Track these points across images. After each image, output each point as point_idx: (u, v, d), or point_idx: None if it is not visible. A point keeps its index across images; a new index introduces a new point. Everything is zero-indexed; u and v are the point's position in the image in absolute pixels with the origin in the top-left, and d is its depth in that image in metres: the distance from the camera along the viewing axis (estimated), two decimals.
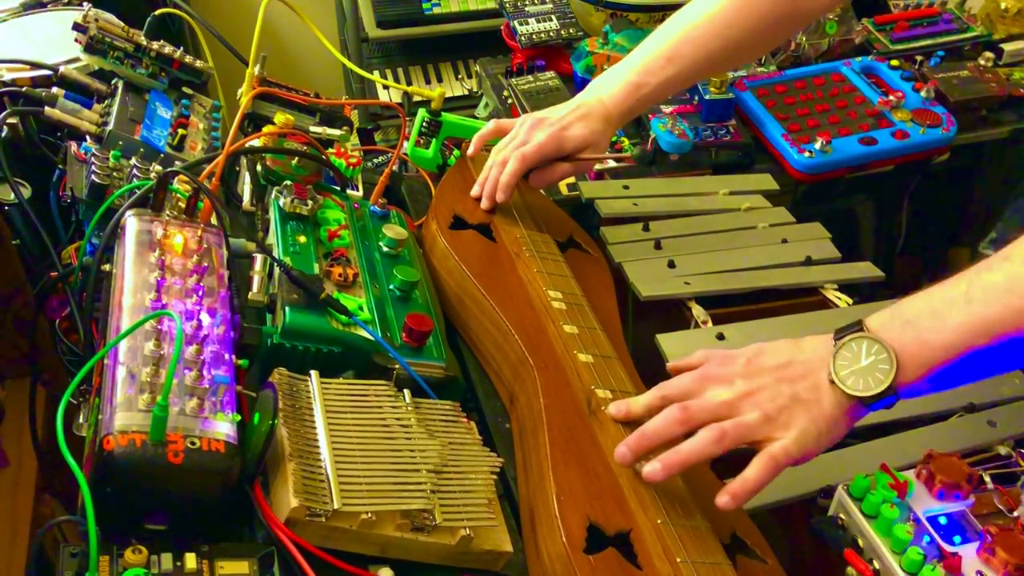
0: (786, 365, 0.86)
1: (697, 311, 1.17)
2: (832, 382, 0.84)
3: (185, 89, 1.36)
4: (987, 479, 0.91)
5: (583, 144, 1.22)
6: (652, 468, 0.85)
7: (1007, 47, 1.86)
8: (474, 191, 1.24)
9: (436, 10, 2.36)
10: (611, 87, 1.24)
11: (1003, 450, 0.99)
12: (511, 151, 1.22)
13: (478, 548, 0.84)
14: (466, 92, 2.31)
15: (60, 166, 1.17)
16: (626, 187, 1.42)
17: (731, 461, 0.97)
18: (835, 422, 0.84)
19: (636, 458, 0.87)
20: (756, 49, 1.29)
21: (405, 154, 1.37)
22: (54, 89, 1.26)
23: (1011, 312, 0.79)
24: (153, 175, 1.06)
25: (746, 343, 1.09)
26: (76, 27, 1.28)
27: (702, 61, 1.23)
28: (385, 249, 1.12)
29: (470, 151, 1.30)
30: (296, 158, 1.15)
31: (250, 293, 0.97)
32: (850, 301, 1.22)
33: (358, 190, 1.27)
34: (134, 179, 1.06)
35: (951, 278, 0.84)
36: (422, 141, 1.37)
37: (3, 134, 1.19)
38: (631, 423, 0.91)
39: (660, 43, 1.24)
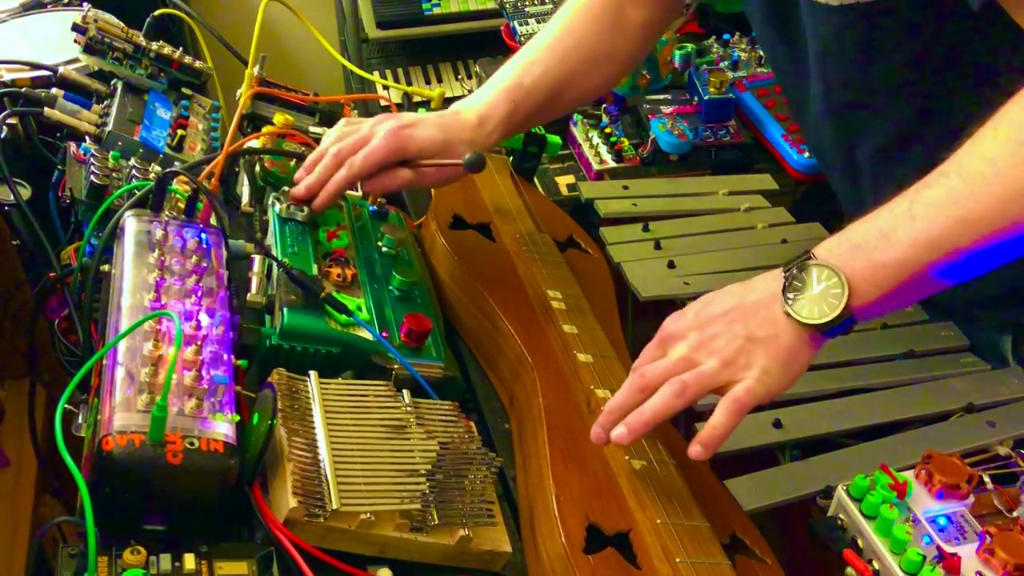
0: (736, 307, 0.86)
1: None
2: (787, 315, 0.83)
3: (184, 90, 1.36)
4: (987, 479, 0.91)
5: (429, 149, 1.10)
6: (619, 432, 0.85)
7: None
8: (297, 175, 1.11)
9: (436, 10, 2.36)
10: (484, 97, 1.18)
11: (1002, 450, 0.98)
12: (348, 147, 1.09)
13: (477, 548, 0.83)
14: (466, 92, 2.29)
15: (59, 167, 1.17)
16: (626, 187, 1.42)
17: (732, 460, 0.97)
18: (796, 354, 0.84)
19: (606, 435, 0.87)
20: (609, 56, 1.27)
21: None
22: (53, 90, 1.26)
23: (956, 224, 0.80)
24: (152, 176, 1.06)
25: None
26: (75, 28, 1.28)
27: (561, 62, 1.21)
28: (384, 249, 1.12)
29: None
30: (294, 160, 1.15)
31: (249, 294, 0.97)
32: None
33: (357, 190, 1.27)
34: (133, 180, 1.06)
35: (894, 199, 0.84)
36: None
37: (2, 134, 1.19)
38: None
39: (521, 54, 1.23)
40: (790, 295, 0.84)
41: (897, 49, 1.05)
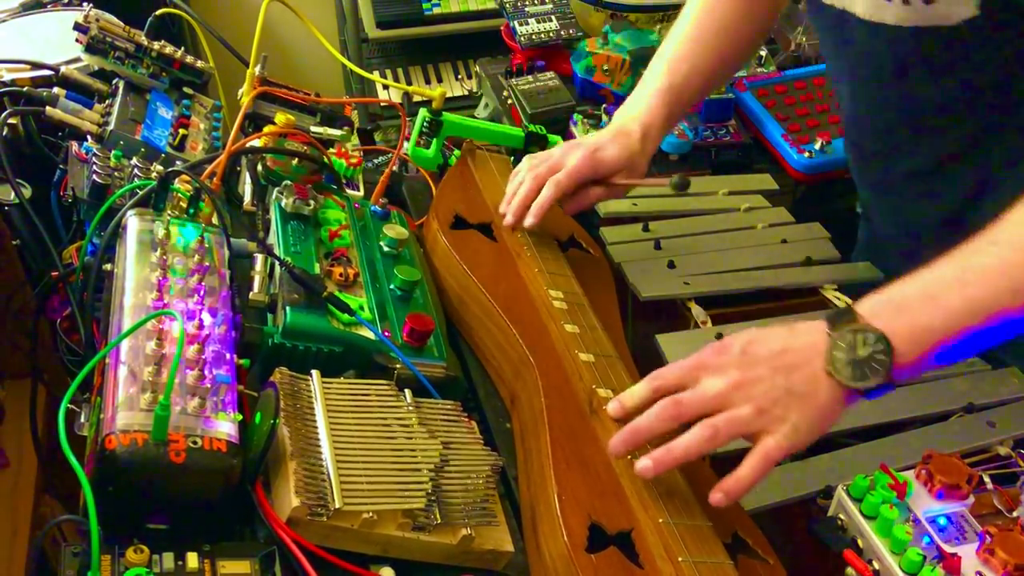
0: (781, 353, 0.85)
1: (697, 311, 1.17)
2: (829, 374, 0.83)
3: (186, 89, 1.36)
4: (986, 479, 0.91)
5: (618, 166, 1.19)
6: (644, 465, 0.85)
7: None
8: (501, 207, 1.21)
9: (436, 10, 2.36)
10: (640, 102, 1.23)
11: (1002, 450, 0.99)
12: (545, 171, 1.19)
13: (479, 548, 0.84)
14: (466, 92, 2.31)
15: (61, 166, 1.17)
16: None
17: (732, 460, 0.97)
18: (829, 412, 0.84)
19: (628, 452, 0.87)
20: (750, 33, 1.29)
21: (406, 154, 1.37)
22: (55, 89, 1.26)
23: (1005, 293, 0.81)
24: (154, 175, 1.06)
25: None
26: (77, 27, 1.28)
27: (707, 54, 1.24)
28: (386, 249, 1.12)
29: (529, 221, 1.19)
30: (296, 159, 1.15)
31: (251, 293, 0.97)
32: (850, 301, 1.21)
33: (359, 190, 1.27)
34: (135, 179, 1.06)
35: (938, 262, 0.85)
36: (423, 141, 1.37)
37: (4, 134, 1.19)
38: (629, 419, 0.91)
39: (664, 53, 1.26)
40: (834, 353, 0.83)
41: (955, 72, 1.06)
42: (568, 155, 1.19)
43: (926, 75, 1.09)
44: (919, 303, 0.83)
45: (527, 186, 1.19)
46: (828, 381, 0.83)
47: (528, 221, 1.18)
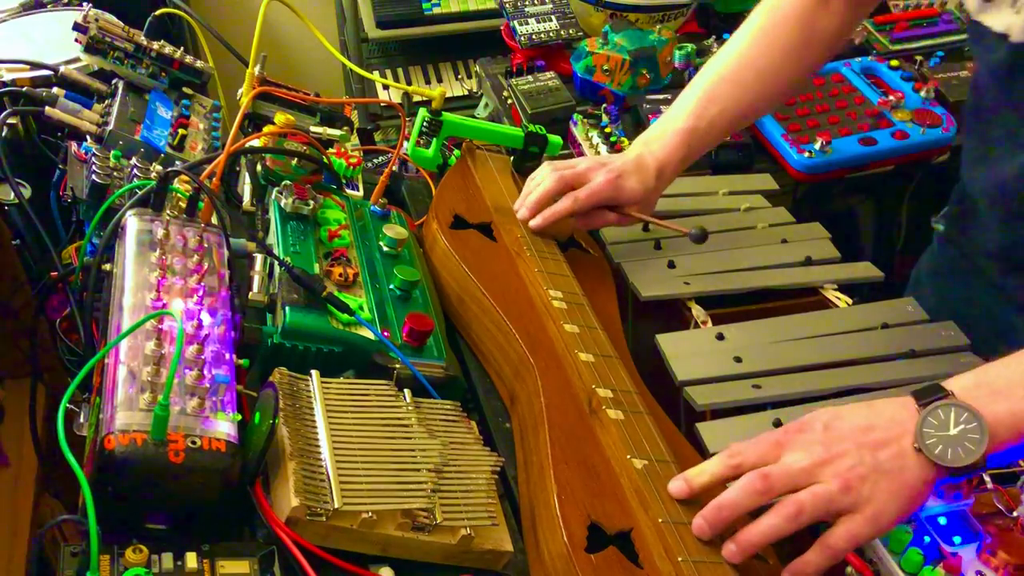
0: (867, 429, 0.82)
1: (697, 311, 1.17)
2: (918, 450, 0.80)
3: (185, 89, 1.36)
4: (987, 479, 0.91)
5: (635, 198, 1.20)
6: (729, 550, 0.82)
7: None
8: (517, 203, 1.22)
9: (436, 10, 2.36)
10: (662, 139, 1.22)
11: None
12: (570, 176, 1.19)
13: (479, 547, 0.84)
14: (466, 92, 2.31)
15: (60, 166, 1.17)
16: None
17: None
18: (916, 493, 0.81)
19: (715, 532, 0.83)
20: (788, 79, 1.26)
21: (405, 154, 1.37)
22: (54, 89, 1.26)
23: None
24: (153, 175, 1.06)
25: (746, 343, 1.10)
26: (76, 27, 1.28)
27: (742, 96, 1.22)
28: (385, 249, 1.12)
29: (536, 222, 1.21)
30: (296, 159, 1.15)
31: (250, 293, 0.97)
32: (850, 301, 1.22)
33: (358, 190, 1.27)
34: (134, 179, 1.06)
35: None
36: (423, 141, 1.37)
37: (3, 134, 1.19)
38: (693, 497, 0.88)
39: (697, 89, 1.23)
40: (925, 430, 0.80)
41: None
42: (593, 172, 1.20)
43: None
44: (1019, 389, 0.81)
45: (547, 185, 1.20)
46: (918, 459, 0.80)
47: (535, 222, 1.19)
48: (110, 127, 1.19)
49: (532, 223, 1.19)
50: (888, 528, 0.81)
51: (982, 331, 1.15)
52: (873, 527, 0.80)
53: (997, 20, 1.06)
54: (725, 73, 1.23)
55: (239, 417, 0.81)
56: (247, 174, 1.21)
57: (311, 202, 1.09)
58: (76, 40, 1.28)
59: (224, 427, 0.78)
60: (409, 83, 2.35)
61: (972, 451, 0.79)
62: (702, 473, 0.86)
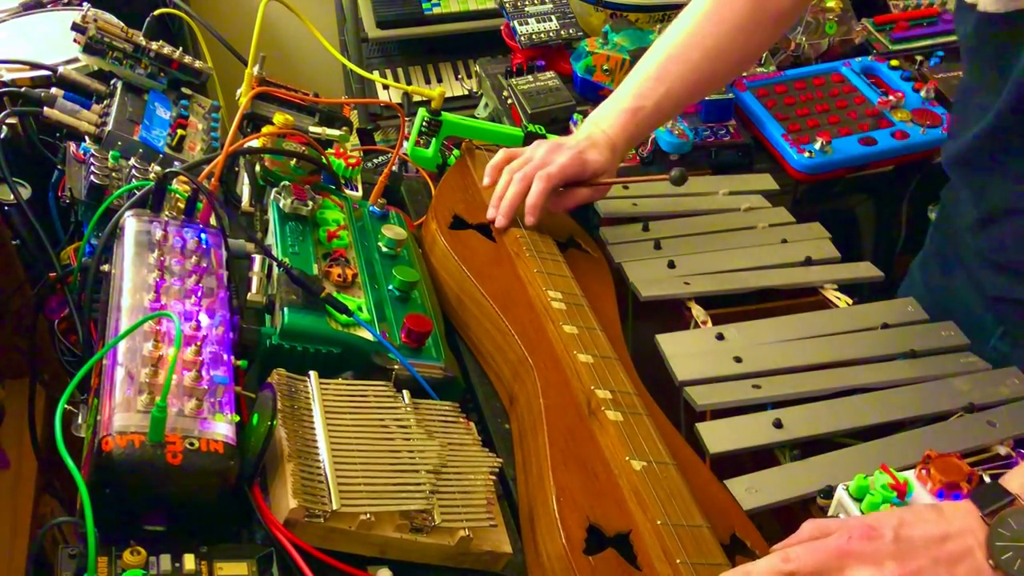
0: (941, 541, 0.75)
1: (697, 311, 1.17)
2: (994, 567, 0.74)
3: (184, 89, 1.36)
4: (986, 479, 0.91)
5: (602, 168, 1.22)
6: None
7: None
8: (489, 213, 1.21)
9: (436, 10, 2.36)
10: (609, 118, 1.25)
11: (1003, 450, 0.99)
12: (531, 170, 1.19)
13: (477, 549, 0.83)
14: (466, 92, 2.30)
15: (59, 167, 1.17)
16: (626, 187, 1.42)
17: (732, 460, 0.97)
18: None
19: None
20: (737, 58, 1.27)
21: (405, 154, 1.37)
22: (53, 89, 1.26)
23: None
24: (152, 175, 1.06)
25: (746, 343, 1.10)
26: (75, 27, 1.27)
27: (689, 76, 1.24)
28: (384, 249, 1.12)
29: (486, 181, 1.25)
30: (295, 159, 1.15)
31: (249, 294, 0.97)
32: (850, 301, 1.22)
33: (357, 190, 1.27)
34: (133, 179, 1.06)
35: None
36: (422, 141, 1.37)
37: (2, 134, 1.19)
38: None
39: (647, 67, 1.25)
40: (996, 544, 0.74)
41: None
42: (555, 154, 1.21)
43: None
44: None
45: (516, 187, 1.19)
46: (994, 575, 0.74)
47: (528, 220, 1.19)
48: (109, 127, 1.19)
49: (526, 221, 1.19)
50: None
51: (959, 326, 1.16)
52: None
53: None
54: (673, 52, 1.24)
55: (237, 418, 0.81)
56: (246, 175, 1.21)
57: (310, 203, 1.09)
58: (75, 40, 1.28)
59: (222, 428, 0.78)
60: (409, 83, 2.35)
61: None
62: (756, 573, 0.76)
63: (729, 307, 1.20)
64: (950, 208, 1.28)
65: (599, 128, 1.25)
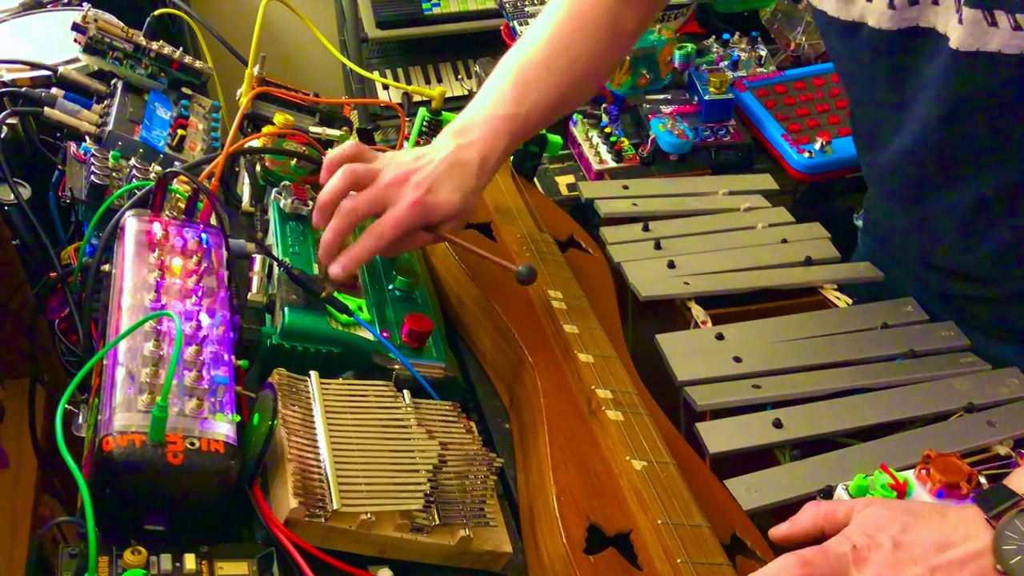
0: (942, 547, 0.73)
1: (697, 311, 1.17)
2: (1002, 573, 0.71)
3: (184, 89, 1.36)
4: (983, 480, 0.91)
5: (451, 212, 1.04)
6: None
7: None
8: (320, 252, 1.03)
9: (436, 10, 2.36)
10: (481, 127, 1.10)
11: (1002, 450, 0.98)
12: (364, 207, 1.03)
13: (478, 548, 0.83)
14: (466, 92, 2.30)
15: (59, 167, 1.17)
16: (626, 187, 1.42)
17: (732, 460, 0.97)
18: None
19: None
20: (598, 70, 1.23)
21: None
22: (53, 89, 1.26)
23: None
24: (152, 175, 1.06)
25: (746, 343, 1.10)
26: (75, 27, 1.27)
27: (557, 84, 1.15)
28: None
29: (322, 177, 1.06)
30: (295, 159, 1.15)
31: (249, 294, 0.97)
32: (850, 301, 1.22)
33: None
34: (133, 179, 1.06)
35: None
36: (422, 141, 1.37)
37: (2, 134, 1.19)
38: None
39: (507, 75, 1.15)
40: (1004, 548, 0.71)
41: None
42: (395, 193, 1.03)
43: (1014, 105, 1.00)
44: None
45: (340, 223, 1.02)
46: None
47: (334, 270, 1.01)
48: (109, 128, 1.19)
49: (331, 270, 1.01)
50: None
51: None
52: None
53: (853, 11, 1.05)
54: (537, 58, 1.15)
55: (238, 418, 0.81)
56: (246, 175, 1.21)
57: (310, 202, 1.09)
58: (75, 40, 1.28)
59: (223, 428, 0.78)
60: (409, 83, 2.35)
61: None
62: None
63: (729, 307, 1.20)
64: (879, 216, 1.30)
65: (468, 140, 1.08)
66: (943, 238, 1.17)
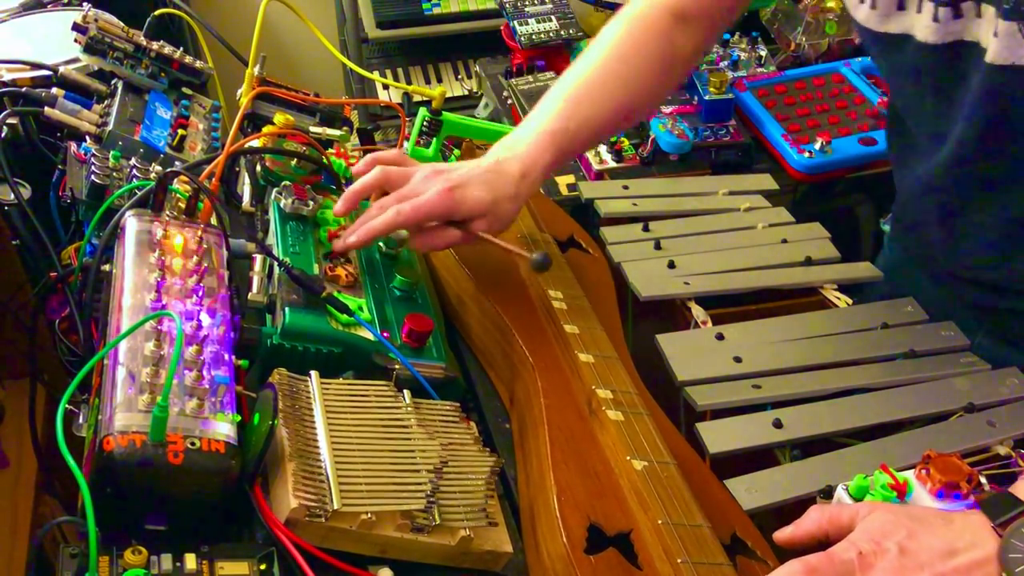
0: (948, 554, 0.73)
1: (697, 311, 1.17)
2: None
3: (185, 90, 1.36)
4: (983, 480, 0.91)
5: (480, 210, 1.05)
6: None
7: None
8: (337, 207, 1.08)
9: (436, 10, 2.36)
10: (527, 141, 1.11)
11: (1002, 450, 0.98)
12: (392, 201, 1.05)
13: (478, 548, 0.84)
14: (466, 92, 2.31)
15: (60, 166, 1.17)
16: (626, 187, 1.42)
17: (732, 460, 0.97)
18: None
19: None
20: (651, 92, 1.23)
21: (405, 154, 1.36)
22: (54, 89, 1.26)
23: None
24: (153, 175, 1.06)
25: (746, 343, 1.10)
26: (76, 27, 1.28)
27: (607, 104, 1.16)
28: (385, 249, 1.12)
29: (355, 169, 1.11)
30: (295, 159, 1.15)
31: (250, 293, 0.97)
32: (850, 301, 1.22)
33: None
34: (134, 179, 1.06)
35: None
36: (422, 141, 1.37)
37: (3, 134, 1.19)
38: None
39: (563, 92, 1.16)
40: (1010, 556, 0.71)
41: None
42: (425, 184, 1.05)
43: None
44: None
45: (367, 180, 1.07)
46: None
47: (351, 240, 1.04)
48: (109, 127, 1.19)
49: (349, 240, 1.04)
50: None
51: None
52: None
53: (899, 24, 1.04)
54: (590, 78, 1.16)
55: (238, 418, 0.81)
56: (246, 175, 1.21)
57: (310, 203, 1.09)
58: (76, 40, 1.28)
59: (223, 428, 0.78)
60: (409, 83, 2.35)
61: None
62: None
63: (729, 307, 1.20)
64: (909, 224, 1.27)
65: (513, 153, 1.10)
66: (977, 251, 1.15)
